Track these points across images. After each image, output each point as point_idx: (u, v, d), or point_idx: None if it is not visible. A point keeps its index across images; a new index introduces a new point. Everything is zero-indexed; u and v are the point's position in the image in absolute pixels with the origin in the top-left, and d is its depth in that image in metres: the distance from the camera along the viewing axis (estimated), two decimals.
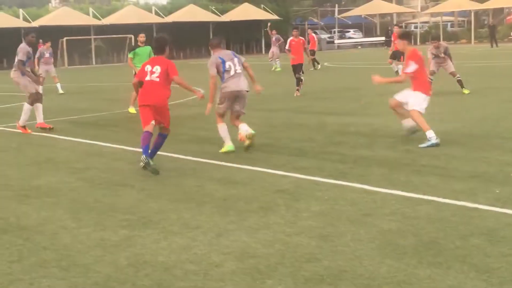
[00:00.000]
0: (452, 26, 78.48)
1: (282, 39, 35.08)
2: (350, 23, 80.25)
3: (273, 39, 35.61)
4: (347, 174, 8.79)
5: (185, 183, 8.71)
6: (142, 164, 9.32)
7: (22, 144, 12.64)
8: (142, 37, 17.55)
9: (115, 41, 54.32)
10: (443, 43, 19.45)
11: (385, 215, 6.78)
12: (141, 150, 9.47)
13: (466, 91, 18.57)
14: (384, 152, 10.26)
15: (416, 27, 75.58)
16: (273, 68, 34.06)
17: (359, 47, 70.22)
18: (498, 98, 17.08)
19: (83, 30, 54.67)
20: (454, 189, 7.70)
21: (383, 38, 72.06)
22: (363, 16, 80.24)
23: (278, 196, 7.79)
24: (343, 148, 10.74)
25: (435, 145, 10.38)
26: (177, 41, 57.30)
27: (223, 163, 9.92)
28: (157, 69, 9.58)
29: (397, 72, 25.05)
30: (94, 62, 55.32)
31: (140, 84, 9.77)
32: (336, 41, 72.44)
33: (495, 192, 7.51)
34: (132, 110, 17.32)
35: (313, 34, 35.90)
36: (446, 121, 13.29)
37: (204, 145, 11.61)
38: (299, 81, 20.47)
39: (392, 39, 26.63)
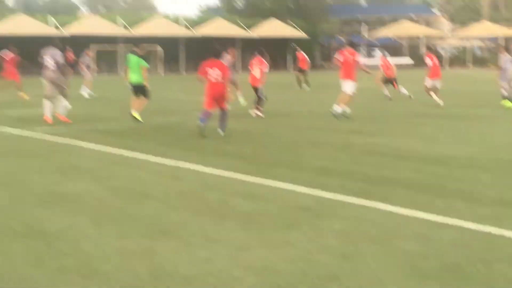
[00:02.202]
0: (480, 50, 78.16)
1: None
2: (377, 43, 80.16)
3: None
4: (371, 194, 8.73)
5: (208, 196, 8.70)
6: (198, 127, 14.31)
7: (48, 151, 12.72)
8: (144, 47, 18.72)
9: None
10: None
11: (408, 237, 6.71)
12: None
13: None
14: (409, 173, 10.18)
15: (444, 50, 75.32)
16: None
17: None
18: None
19: (111, 39, 55.12)
20: (479, 214, 7.62)
21: (410, 59, 72.02)
22: (391, 37, 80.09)
23: (301, 213, 7.76)
24: (368, 167, 10.68)
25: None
26: (205, 54, 57.78)
27: (247, 177, 9.90)
28: (218, 72, 14.33)
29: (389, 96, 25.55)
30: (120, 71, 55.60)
31: (201, 78, 14.67)
32: (363, 61, 72.29)
33: None
34: (136, 115, 17.57)
35: (303, 53, 35.21)
36: (472, 144, 13.19)
37: (229, 159, 11.60)
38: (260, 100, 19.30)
39: (382, 63, 27.06)
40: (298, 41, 65.30)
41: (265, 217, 7.55)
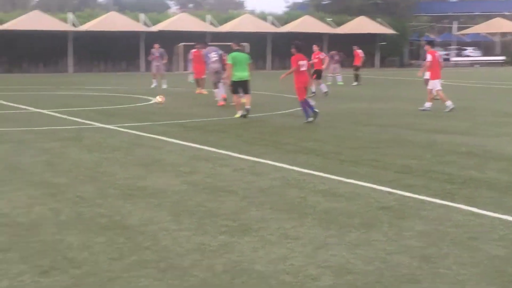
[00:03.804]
0: None
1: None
2: (468, 40, 78.36)
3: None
4: (455, 195, 8.51)
5: (288, 193, 8.66)
6: (310, 119, 16.39)
7: (132, 145, 12.93)
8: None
9: (230, 49, 55.01)
10: None
11: (492, 240, 6.50)
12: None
13: None
14: (495, 174, 9.88)
15: None
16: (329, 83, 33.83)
17: (477, 65, 68.34)
18: None
19: (200, 36, 55.74)
20: None
21: (503, 58, 69.94)
22: (482, 34, 78.16)
23: (381, 212, 7.63)
24: (452, 168, 10.42)
25: None
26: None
27: (327, 175, 9.81)
28: (304, 63, 16.72)
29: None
30: None
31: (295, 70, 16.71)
32: (453, 59, 70.70)
33: None
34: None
35: (358, 50, 35.90)
36: None
37: (310, 156, 11.52)
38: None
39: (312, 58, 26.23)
40: (387, 38, 64.59)
41: (344, 216, 7.45)
